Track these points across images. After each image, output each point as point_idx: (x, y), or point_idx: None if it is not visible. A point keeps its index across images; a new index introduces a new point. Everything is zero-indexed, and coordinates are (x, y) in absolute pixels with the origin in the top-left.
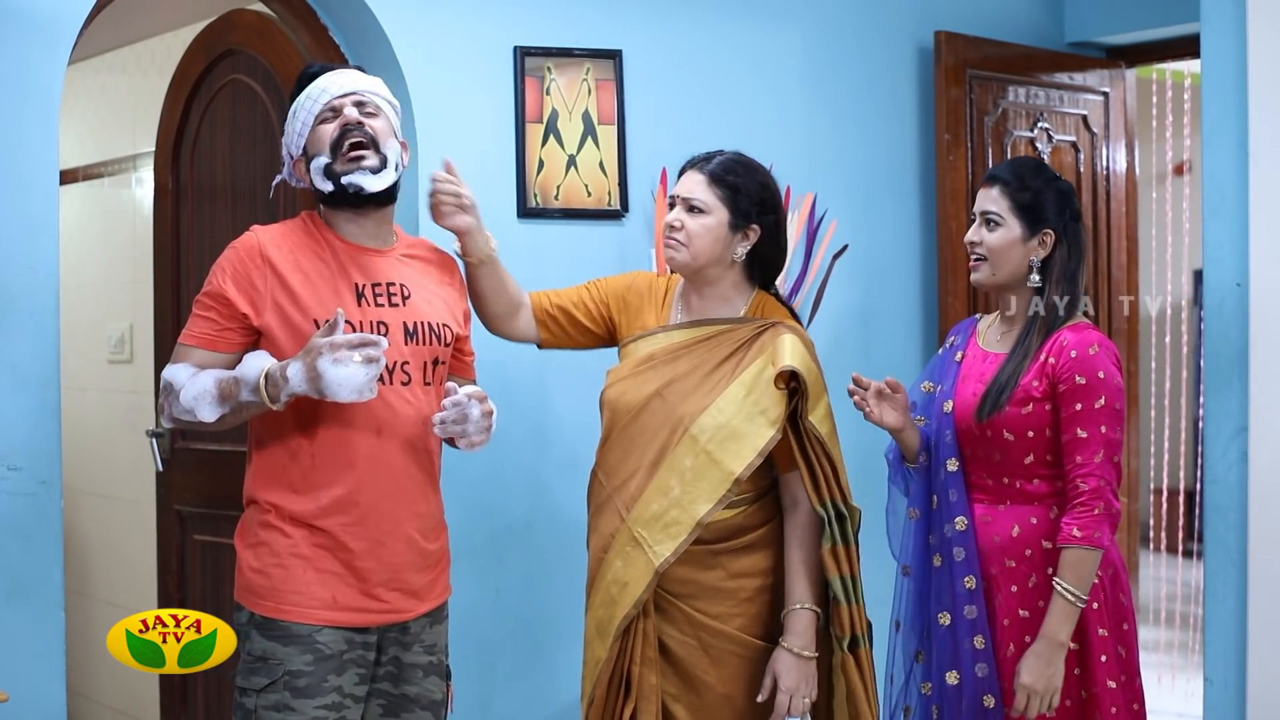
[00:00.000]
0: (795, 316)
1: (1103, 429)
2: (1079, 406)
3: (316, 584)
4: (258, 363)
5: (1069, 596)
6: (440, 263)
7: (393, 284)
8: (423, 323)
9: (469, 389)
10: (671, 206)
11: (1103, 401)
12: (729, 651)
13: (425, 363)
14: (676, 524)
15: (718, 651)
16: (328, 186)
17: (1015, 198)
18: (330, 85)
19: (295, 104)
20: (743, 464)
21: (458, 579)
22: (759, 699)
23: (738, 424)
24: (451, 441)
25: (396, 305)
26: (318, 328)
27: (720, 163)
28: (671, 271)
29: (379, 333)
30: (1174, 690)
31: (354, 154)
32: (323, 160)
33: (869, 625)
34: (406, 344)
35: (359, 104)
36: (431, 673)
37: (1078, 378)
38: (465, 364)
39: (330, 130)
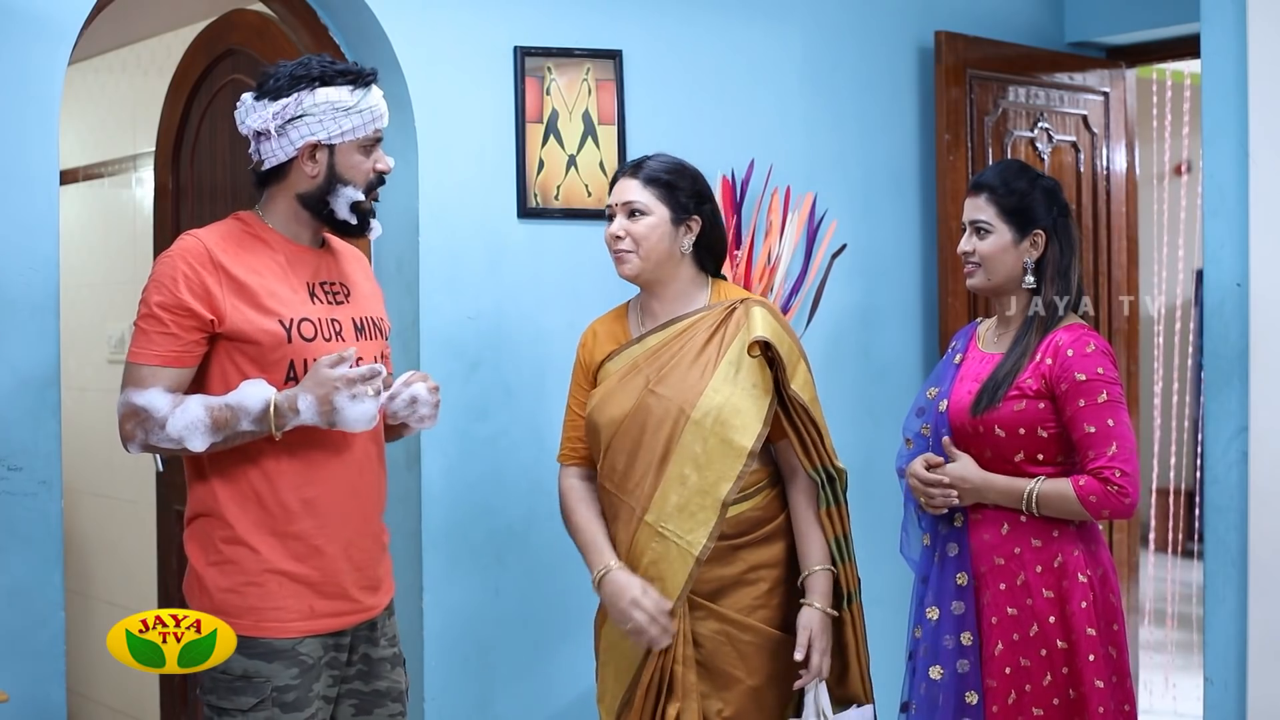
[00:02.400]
0: None
1: (1110, 422)
2: (1082, 403)
3: (293, 596)
4: (259, 392)
5: (1027, 494)
6: (358, 258)
7: (336, 281)
8: (367, 318)
9: (405, 375)
10: (611, 219)
11: (1105, 396)
12: (754, 645)
13: (375, 356)
14: (703, 509)
15: (744, 645)
16: (351, 219)
17: (1002, 203)
18: (381, 112)
19: (334, 95)
20: (752, 436)
21: (458, 580)
22: (797, 656)
23: (737, 400)
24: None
25: (343, 302)
26: (284, 329)
27: (649, 165)
28: (633, 284)
29: (333, 329)
30: (1174, 690)
31: (374, 202)
32: (356, 195)
33: (858, 581)
34: (358, 339)
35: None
36: (396, 664)
37: (1077, 375)
38: (385, 358)
39: (367, 168)
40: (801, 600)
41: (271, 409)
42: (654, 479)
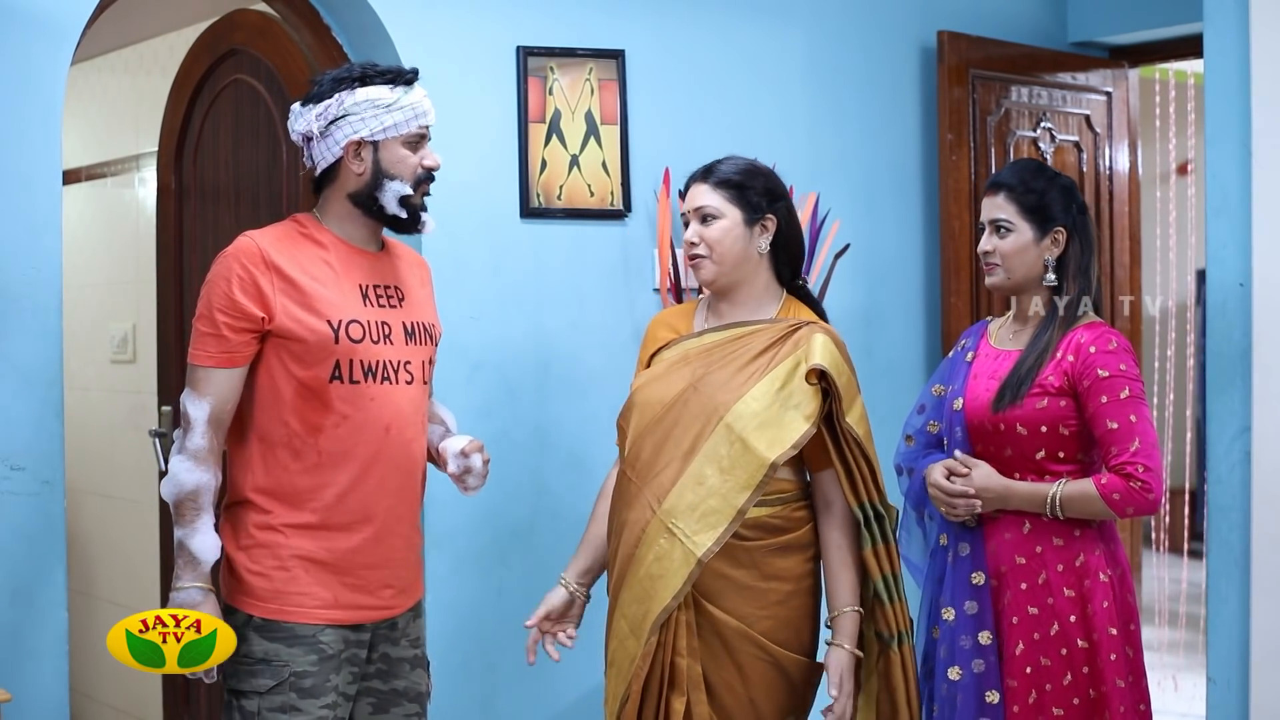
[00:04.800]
0: (824, 316)
1: (1132, 418)
2: (1105, 399)
3: (319, 584)
4: (209, 541)
5: (1050, 499)
6: (419, 265)
7: (390, 285)
8: (419, 323)
9: (464, 442)
10: (686, 226)
11: (1128, 392)
12: (753, 655)
13: (423, 362)
14: (716, 513)
15: (741, 655)
16: (400, 213)
17: (1022, 201)
18: (425, 110)
19: (375, 94)
20: (778, 451)
21: (461, 580)
22: (831, 693)
23: (772, 413)
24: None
25: (395, 306)
26: (331, 329)
27: (720, 169)
28: (700, 290)
29: (383, 332)
30: (1177, 690)
31: (424, 197)
32: (404, 189)
33: (911, 622)
34: (408, 344)
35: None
36: (417, 665)
37: (1100, 371)
38: (430, 363)
39: (414, 163)
40: (829, 641)
41: (190, 560)
42: (674, 473)
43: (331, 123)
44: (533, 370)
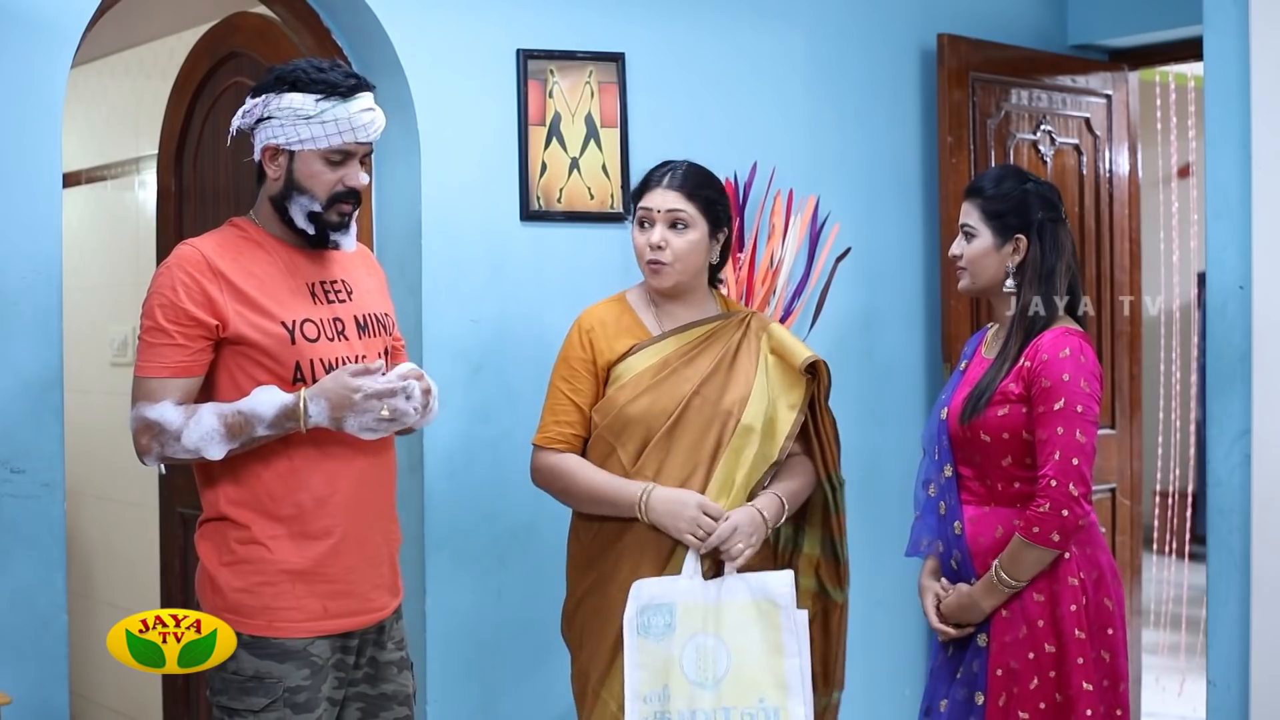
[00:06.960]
0: None
1: (1059, 430)
2: (1041, 409)
3: (308, 596)
4: (270, 398)
5: (997, 578)
6: (361, 254)
7: (336, 280)
8: (370, 315)
9: (402, 368)
10: (641, 224)
11: (1062, 404)
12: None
13: (379, 353)
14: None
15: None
16: (309, 228)
17: (986, 208)
18: (354, 126)
19: (298, 102)
20: (779, 450)
21: (461, 581)
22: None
23: (773, 411)
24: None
25: (344, 301)
26: (287, 331)
27: (687, 175)
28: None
29: (336, 329)
30: (1177, 693)
31: (343, 216)
32: (312, 206)
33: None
34: (361, 337)
35: (364, 157)
36: (404, 667)
37: (1043, 380)
38: (398, 349)
39: (330, 180)
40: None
41: (289, 411)
42: (703, 478)
43: (257, 122)
44: (533, 373)
